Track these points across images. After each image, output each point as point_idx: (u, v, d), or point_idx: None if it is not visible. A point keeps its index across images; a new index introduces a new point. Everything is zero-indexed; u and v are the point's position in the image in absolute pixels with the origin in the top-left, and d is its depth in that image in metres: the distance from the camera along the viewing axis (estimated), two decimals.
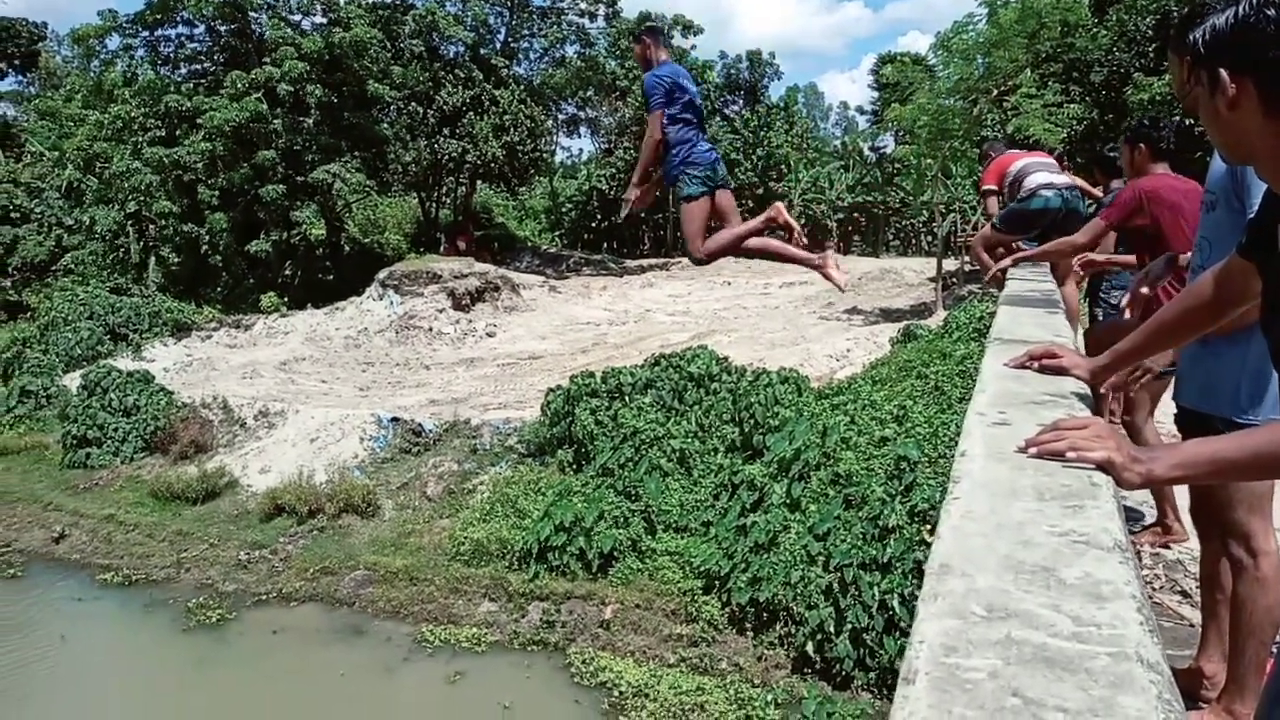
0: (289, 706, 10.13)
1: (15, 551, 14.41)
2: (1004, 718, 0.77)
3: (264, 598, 12.46)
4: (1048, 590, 1.01)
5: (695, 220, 4.61)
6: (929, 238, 36.66)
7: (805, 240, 4.81)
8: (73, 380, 19.63)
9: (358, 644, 11.28)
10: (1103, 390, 2.42)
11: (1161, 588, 4.11)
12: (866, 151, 41.81)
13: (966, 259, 23.86)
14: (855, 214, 39.63)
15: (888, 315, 21.01)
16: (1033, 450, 1.47)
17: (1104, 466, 1.40)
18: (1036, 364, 2.11)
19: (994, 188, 6.09)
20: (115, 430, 16.81)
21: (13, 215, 32.48)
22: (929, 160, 21.95)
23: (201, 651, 11.32)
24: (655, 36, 4.63)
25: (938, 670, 0.84)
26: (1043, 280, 4.71)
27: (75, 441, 16.84)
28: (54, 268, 31.41)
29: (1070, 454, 1.43)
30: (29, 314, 27.29)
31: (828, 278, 4.67)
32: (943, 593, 1.01)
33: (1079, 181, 5.94)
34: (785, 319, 22.03)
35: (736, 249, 4.72)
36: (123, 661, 11.67)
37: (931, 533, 8.97)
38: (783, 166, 39.44)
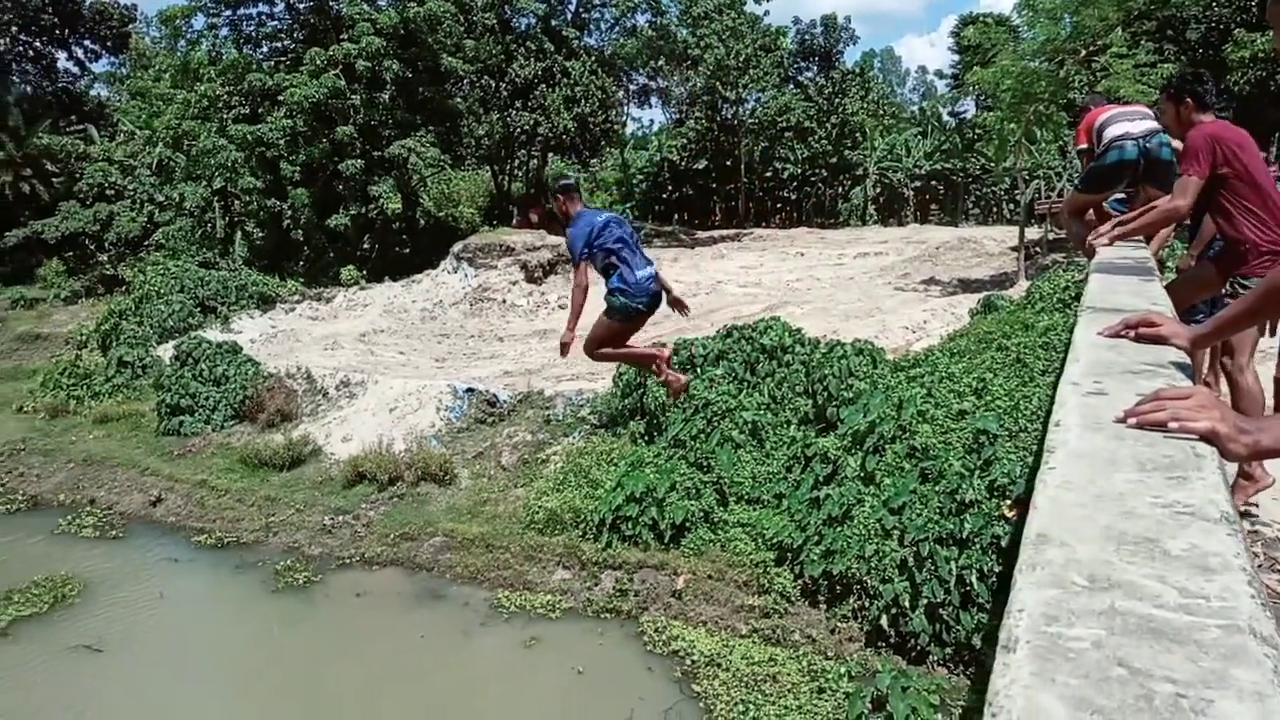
0: (372, 666, 10.50)
1: (116, 514, 15.19)
2: (1110, 687, 0.76)
3: (347, 561, 12.88)
4: (1152, 561, 0.98)
5: (608, 332, 5.26)
6: (1011, 205, 35.54)
7: (671, 371, 5.64)
8: (166, 351, 20.49)
9: (437, 608, 11.60)
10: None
11: (1260, 566, 3.96)
12: (945, 117, 40.67)
13: (1050, 227, 23.07)
14: (933, 182, 38.64)
15: (966, 286, 20.49)
16: (1133, 421, 1.43)
17: (1208, 438, 1.35)
18: (1133, 333, 2.04)
19: (1085, 146, 5.81)
20: (206, 399, 17.52)
21: (108, 193, 33.90)
22: (1012, 125, 21.22)
23: (289, 612, 11.78)
24: (569, 193, 5.14)
25: (1039, 639, 0.84)
26: (1137, 247, 4.53)
27: (169, 410, 17.61)
28: (146, 243, 32.73)
29: (1173, 424, 1.39)
30: (124, 288, 28.50)
31: (664, 382, 5.34)
32: (1041, 562, 1.00)
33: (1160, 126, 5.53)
34: (860, 290, 21.66)
35: (617, 359, 5.38)
36: (216, 620, 12.24)
37: (1011, 508, 8.81)
38: (858, 134, 38.64)
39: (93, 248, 34.05)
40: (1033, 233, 23.54)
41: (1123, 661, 0.79)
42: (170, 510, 15.04)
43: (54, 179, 34.58)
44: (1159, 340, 1.99)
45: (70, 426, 18.83)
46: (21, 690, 10.16)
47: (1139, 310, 2.24)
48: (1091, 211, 5.55)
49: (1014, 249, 22.21)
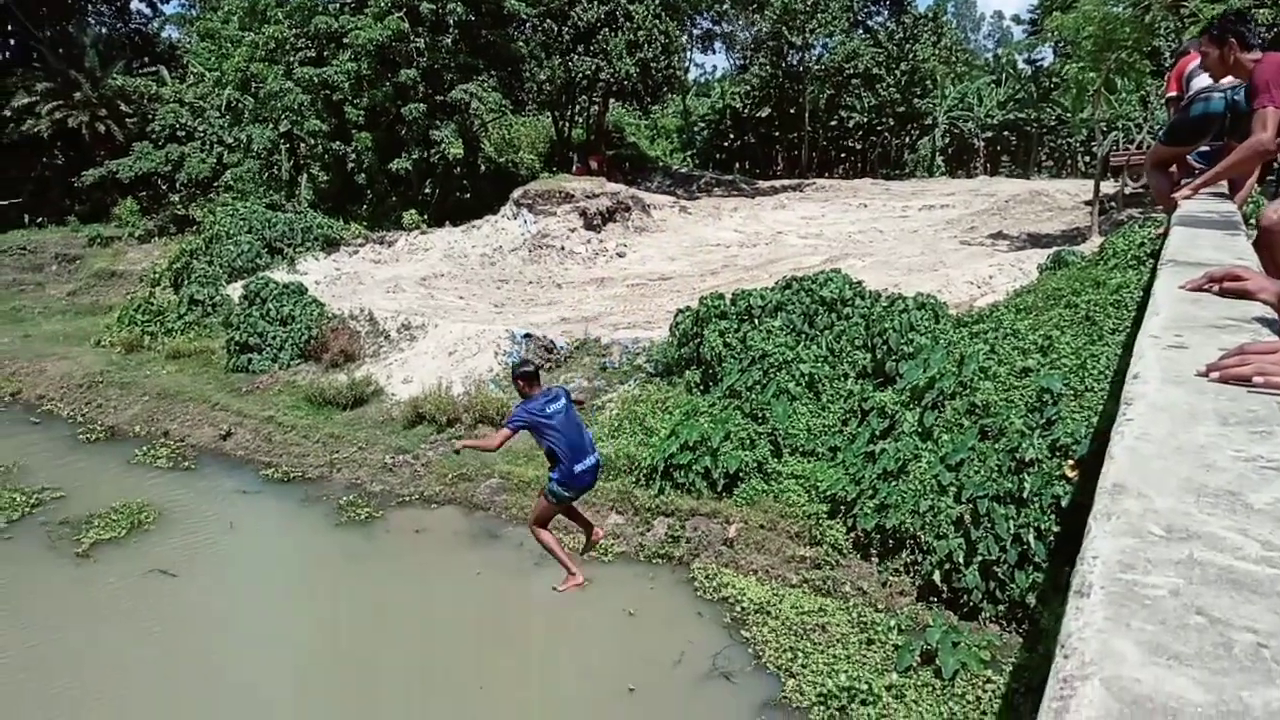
0: (431, 600, 10.83)
1: (189, 446, 15.78)
2: (1187, 635, 0.75)
3: (407, 499, 13.23)
4: (1233, 514, 0.96)
5: (549, 511, 6.15)
6: (1086, 158, 34.31)
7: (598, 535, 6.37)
8: (235, 290, 21.03)
9: (493, 546, 11.88)
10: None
11: None
12: (1021, 65, 39.23)
13: (1126, 181, 22.21)
14: (1005, 132, 37.43)
15: (1036, 241, 19.91)
16: (1215, 375, 1.39)
17: None
18: (1217, 287, 1.97)
19: (1175, 94, 5.54)
20: (273, 338, 17.99)
21: (179, 134, 34.62)
22: (1091, 74, 20.35)
23: (352, 546, 12.18)
24: (529, 379, 5.93)
25: (1114, 585, 0.83)
26: (1221, 201, 4.35)
27: (238, 348, 18.14)
28: (216, 184, 33.43)
29: (1257, 379, 1.35)
30: (195, 228, 29.22)
31: (565, 585, 6.08)
32: (1117, 512, 0.98)
33: None
34: (924, 243, 21.20)
35: (548, 549, 6.28)
36: (283, 550, 12.71)
37: (1073, 468, 8.65)
38: (928, 82, 37.49)
39: (165, 188, 34.92)
40: (1108, 187, 22.69)
41: (1201, 610, 0.78)
42: (239, 444, 15.57)
43: (128, 120, 35.38)
44: (1244, 295, 1.92)
45: (145, 361, 19.53)
46: (103, 610, 10.72)
47: (1223, 264, 2.16)
48: (1175, 167, 5.33)
49: (1087, 203, 21.46)
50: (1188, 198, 4.55)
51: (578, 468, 5.78)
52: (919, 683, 8.34)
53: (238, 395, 17.10)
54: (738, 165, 41.35)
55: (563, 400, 5.86)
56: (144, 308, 21.71)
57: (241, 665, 9.55)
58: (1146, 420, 1.26)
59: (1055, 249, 16.12)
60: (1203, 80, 4.93)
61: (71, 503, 13.59)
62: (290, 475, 14.37)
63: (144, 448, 15.77)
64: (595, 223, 25.70)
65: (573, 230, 25.05)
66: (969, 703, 8.02)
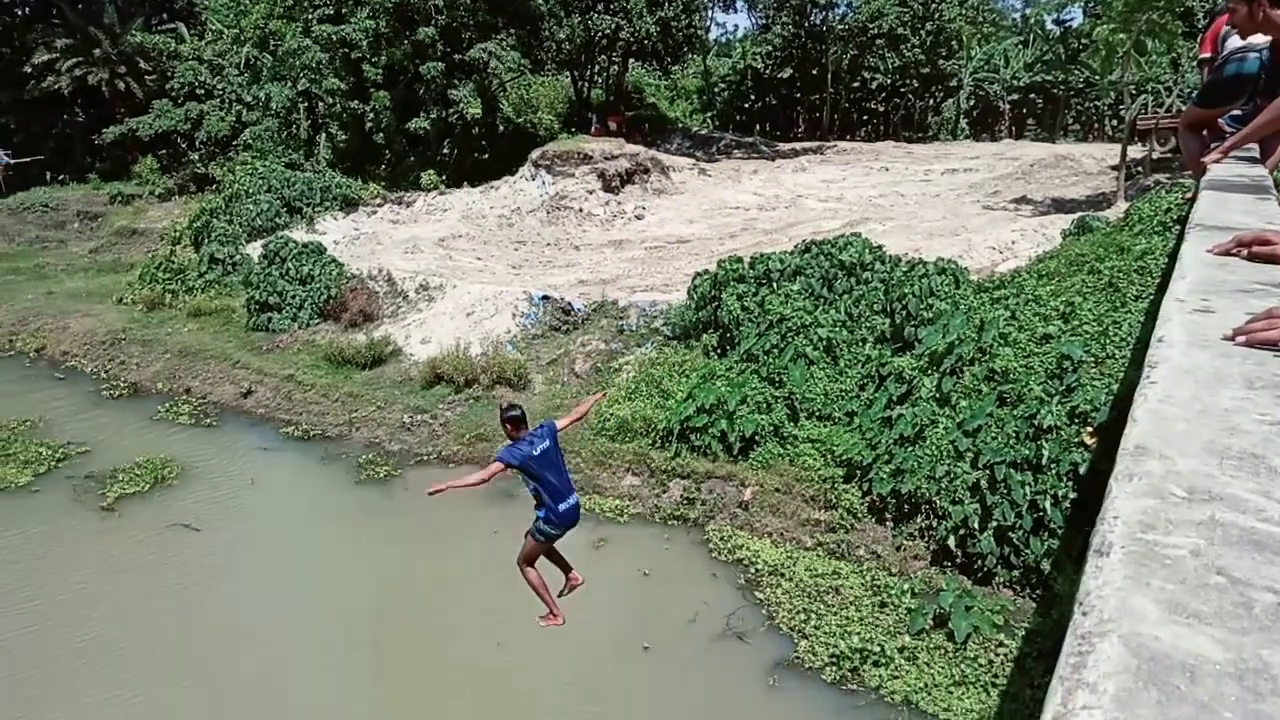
0: (448, 557, 10.98)
1: (211, 404, 15.97)
2: (1207, 594, 0.75)
3: (425, 458, 13.36)
4: (1257, 477, 0.96)
5: (535, 550, 6.48)
6: (1114, 122, 33.65)
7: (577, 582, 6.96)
8: (254, 249, 21.11)
9: (509, 506, 11.97)
10: None
11: None
12: (1050, 25, 38.36)
13: (1154, 145, 21.79)
14: (1032, 95, 36.73)
15: (1060, 206, 19.63)
16: (1242, 339, 1.38)
17: None
18: (1246, 250, 1.94)
19: (1209, 55, 5.39)
20: (293, 297, 18.08)
21: (199, 92, 34.54)
22: (1121, 35, 19.89)
23: (371, 503, 12.34)
24: (516, 422, 6.25)
25: (1134, 545, 0.83)
26: (1251, 165, 4.26)
27: (258, 306, 18.25)
28: (235, 142, 33.39)
29: None
30: (214, 186, 29.27)
31: (547, 623, 6.66)
32: (1139, 473, 0.98)
33: None
34: (946, 208, 20.96)
35: (534, 588, 6.66)
36: (304, 507, 12.89)
37: (1092, 435, 8.61)
38: (954, 43, 36.73)
39: (184, 146, 34.91)
40: (1135, 151, 22.29)
41: (1222, 570, 0.78)
42: (260, 402, 15.73)
43: (147, 77, 35.31)
44: (1273, 259, 1.89)
45: (166, 319, 19.69)
46: (128, 562, 10.94)
47: (1252, 228, 2.12)
48: (1206, 131, 5.20)
49: (1114, 168, 21.10)
50: (1217, 161, 4.45)
51: (562, 506, 6.06)
52: (931, 645, 8.41)
53: (258, 353, 17.24)
54: (758, 127, 40.85)
55: (549, 441, 6.07)
56: (165, 266, 21.85)
57: (261, 618, 9.74)
58: (1171, 383, 1.24)
59: (1080, 214, 15.89)
60: (1237, 41, 4.79)
61: (96, 457, 13.81)
62: (310, 433, 14.52)
63: (166, 404, 15.97)
64: (614, 184, 25.53)
65: (591, 192, 24.91)
66: (980, 665, 8.09)
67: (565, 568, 6.97)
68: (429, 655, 8.42)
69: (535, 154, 26.75)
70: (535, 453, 6.09)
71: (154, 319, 19.78)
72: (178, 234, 24.71)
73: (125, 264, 25.18)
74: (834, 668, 8.32)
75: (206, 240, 22.59)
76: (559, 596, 6.86)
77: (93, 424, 15.30)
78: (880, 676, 8.15)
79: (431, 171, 28.65)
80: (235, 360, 17.02)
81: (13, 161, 34.18)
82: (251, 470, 13.45)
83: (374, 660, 8.97)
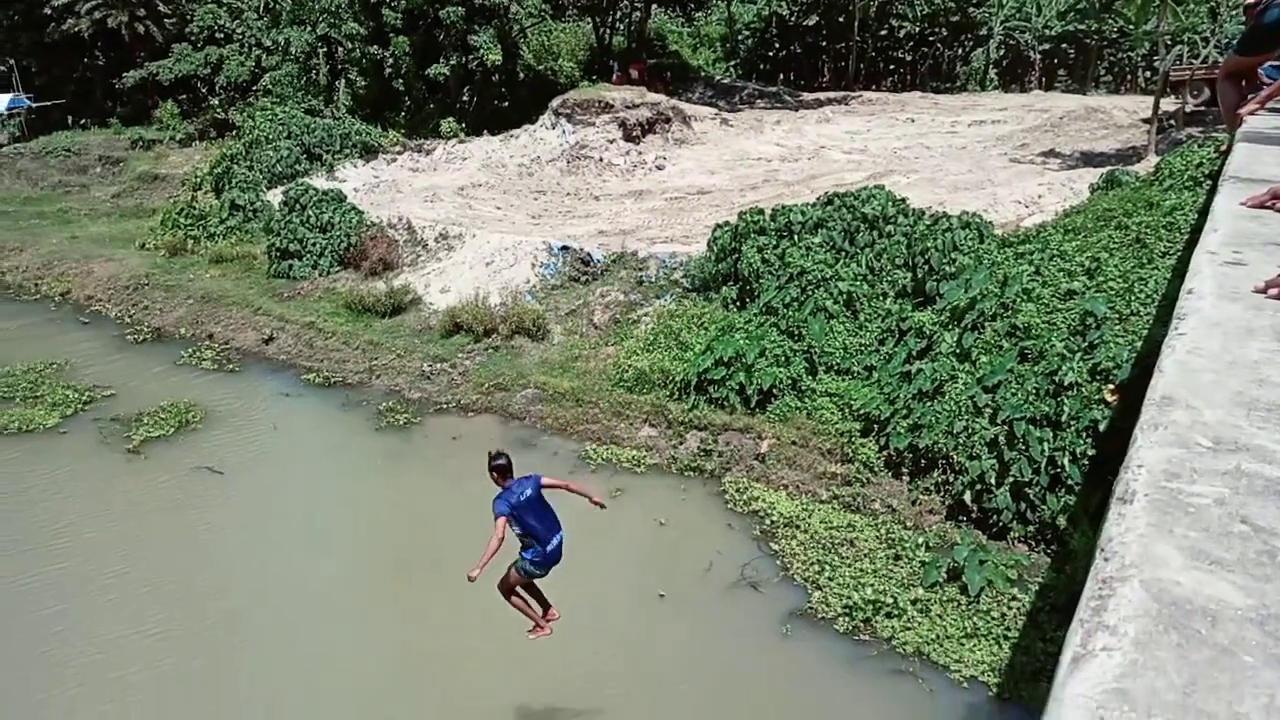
0: (467, 503, 11.10)
1: (233, 349, 16.13)
2: (1230, 542, 0.75)
3: (444, 407, 13.47)
4: None
5: (515, 583, 6.79)
6: (1147, 74, 32.81)
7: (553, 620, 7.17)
8: (275, 196, 21.11)
9: (528, 455, 12.08)
10: None
11: None
12: None
13: (1188, 97, 21.25)
14: (1064, 45, 35.80)
15: (1089, 159, 19.26)
16: (1274, 291, 1.35)
17: None
18: None
19: (1252, 1, 5.24)
20: (313, 245, 18.11)
21: (218, 36, 34.28)
22: None
23: (391, 449, 12.48)
24: (502, 471, 6.46)
25: (1158, 493, 0.82)
26: None
27: (279, 254, 18.31)
28: (254, 88, 33.21)
29: None
30: (234, 132, 29.19)
31: (535, 635, 6.98)
32: (1165, 423, 0.97)
33: None
34: (972, 160, 20.61)
35: (516, 607, 6.95)
36: (325, 451, 13.07)
37: (1113, 393, 8.55)
38: None
39: (204, 91, 34.77)
40: (1168, 104, 21.75)
41: (1246, 519, 0.78)
42: (281, 348, 15.87)
43: (166, 20, 35.05)
44: None
45: (188, 265, 19.81)
46: (153, 504, 11.15)
47: None
48: (1245, 81, 5.07)
49: (1146, 121, 20.61)
50: (1253, 112, 4.36)
51: (549, 547, 6.24)
52: (944, 598, 8.47)
53: (279, 300, 17.35)
54: (782, 76, 40.10)
55: (532, 490, 6.26)
56: (186, 212, 21.92)
57: (284, 559, 9.94)
58: (1199, 335, 1.23)
59: (1109, 168, 15.59)
60: None
61: (121, 401, 14.03)
62: (331, 380, 14.66)
63: (189, 349, 16.14)
64: (634, 134, 25.24)
65: (611, 141, 24.64)
66: (993, 619, 8.15)
67: (544, 604, 7.20)
68: (448, 598, 8.56)
69: (555, 102, 26.43)
70: (523, 498, 6.38)
71: (176, 265, 19.90)
72: (198, 180, 24.73)
73: (147, 209, 25.27)
74: (847, 618, 8.41)
75: (227, 186, 22.60)
76: (535, 630, 7.07)
77: (117, 368, 15.51)
78: (892, 628, 8.23)
79: (451, 119, 28.44)
80: (257, 307, 17.14)
81: (34, 105, 34.20)
82: (273, 415, 13.62)
83: (395, 602, 9.14)
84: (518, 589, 6.95)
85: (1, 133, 33.91)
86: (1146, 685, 0.57)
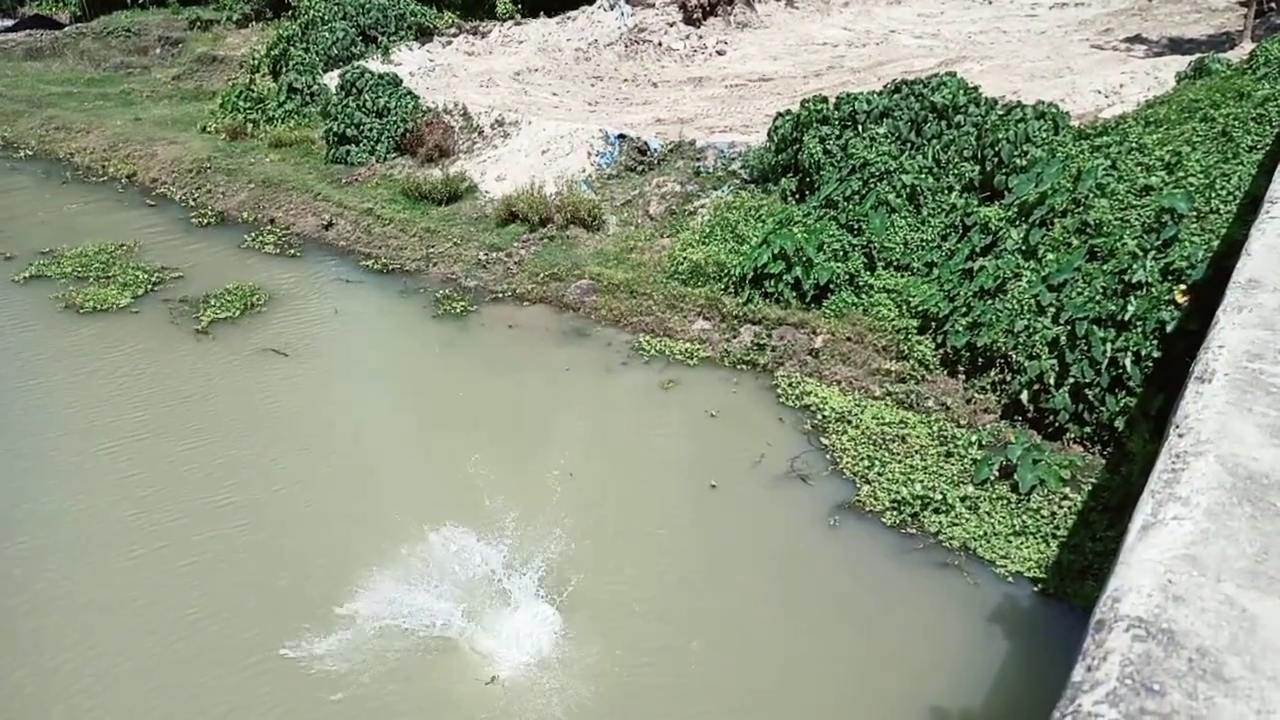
0: (523, 391, 11.35)
1: (294, 234, 16.36)
2: None
3: (500, 296, 13.59)
4: None
5: None
6: None
7: None
8: (331, 80, 20.97)
9: (582, 345, 12.23)
10: None
11: None
12: None
13: None
14: None
15: (1177, 46, 18.10)
16: None
17: None
18: None
19: None
20: (370, 130, 18.05)
21: None
22: None
23: (449, 336, 12.71)
24: None
25: (1239, 373, 0.80)
26: None
27: (336, 139, 18.30)
28: None
29: None
30: (290, 12, 28.81)
31: None
32: (1250, 305, 0.94)
33: None
34: (1051, 46, 19.51)
35: None
36: (385, 336, 13.37)
37: (1184, 294, 8.28)
38: None
39: None
40: None
41: None
42: (340, 234, 16.05)
43: None
44: None
45: (249, 149, 19.93)
46: (222, 384, 11.59)
47: None
48: None
49: (1243, 4, 19.22)
50: None
51: None
52: (994, 495, 8.49)
53: (337, 186, 17.44)
54: None
55: None
56: (245, 95, 21.90)
57: (348, 436, 10.32)
58: None
59: (1199, 55, 14.61)
60: None
61: (189, 283, 14.41)
62: (389, 267, 14.84)
63: (252, 233, 16.42)
64: (695, 16, 24.35)
65: (671, 24, 23.81)
66: (1043, 517, 8.17)
67: None
68: (503, 480, 8.84)
69: None
70: None
71: (237, 148, 20.03)
72: (256, 62, 24.59)
73: (207, 92, 25.30)
74: (894, 512, 8.50)
75: (284, 69, 22.46)
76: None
77: (184, 250, 15.88)
78: (940, 523, 8.31)
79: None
80: (316, 192, 17.26)
81: None
82: (334, 300, 13.90)
83: (450, 486, 9.44)
84: None
85: (63, 11, 33.96)
86: (1217, 552, 0.57)
